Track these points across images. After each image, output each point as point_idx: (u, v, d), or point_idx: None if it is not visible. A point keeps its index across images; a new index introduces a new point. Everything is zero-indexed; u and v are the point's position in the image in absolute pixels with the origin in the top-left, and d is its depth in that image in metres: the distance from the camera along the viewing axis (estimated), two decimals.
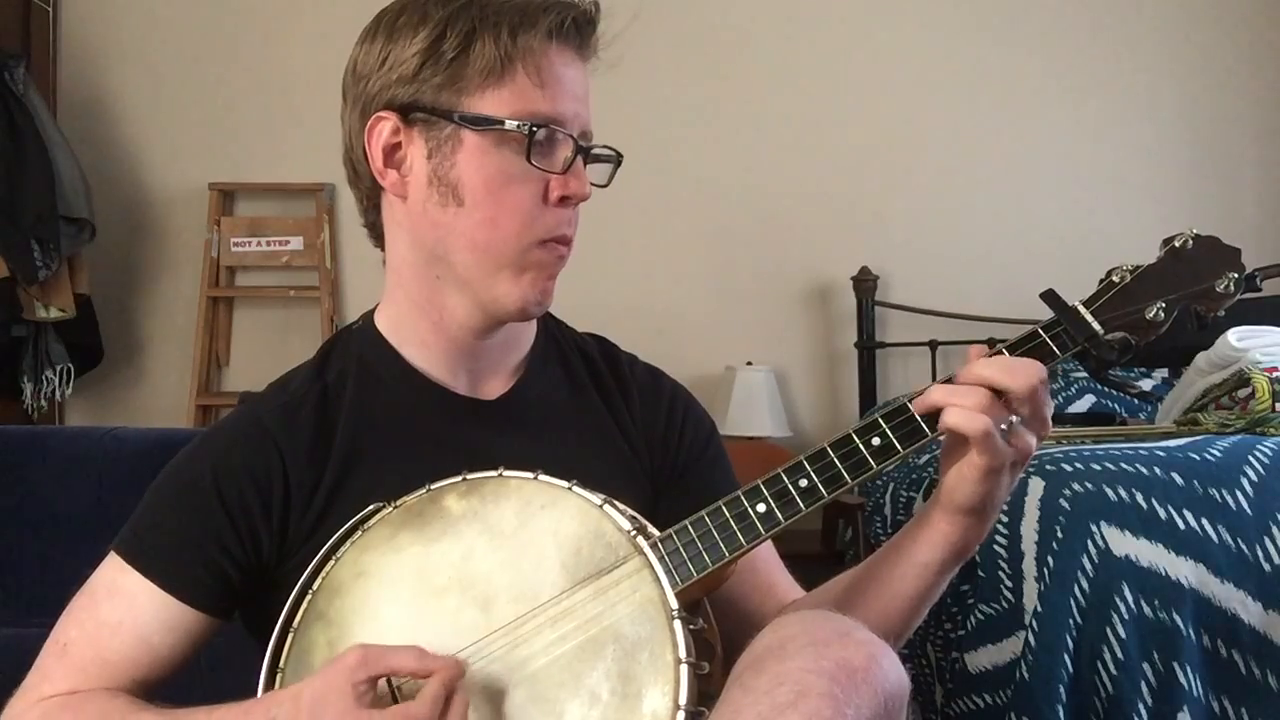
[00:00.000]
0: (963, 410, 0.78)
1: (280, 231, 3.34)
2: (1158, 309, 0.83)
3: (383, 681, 0.75)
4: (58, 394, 3.14)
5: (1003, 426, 0.79)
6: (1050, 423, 0.83)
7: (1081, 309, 0.84)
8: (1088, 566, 1.40)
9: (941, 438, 0.83)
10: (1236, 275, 0.83)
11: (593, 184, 0.92)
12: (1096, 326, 0.83)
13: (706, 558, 0.80)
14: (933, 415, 0.81)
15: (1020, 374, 0.79)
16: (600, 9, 0.92)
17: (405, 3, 0.90)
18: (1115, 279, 0.85)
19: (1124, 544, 1.41)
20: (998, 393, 0.80)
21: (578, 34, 0.90)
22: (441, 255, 0.91)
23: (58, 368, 3.11)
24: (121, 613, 0.87)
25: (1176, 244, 0.86)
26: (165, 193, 3.42)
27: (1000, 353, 0.83)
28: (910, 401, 0.82)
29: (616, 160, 0.95)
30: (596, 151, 0.93)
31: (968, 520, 0.84)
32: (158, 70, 3.42)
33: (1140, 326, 0.83)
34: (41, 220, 2.93)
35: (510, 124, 0.86)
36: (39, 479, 1.65)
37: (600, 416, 1.00)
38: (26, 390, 3.09)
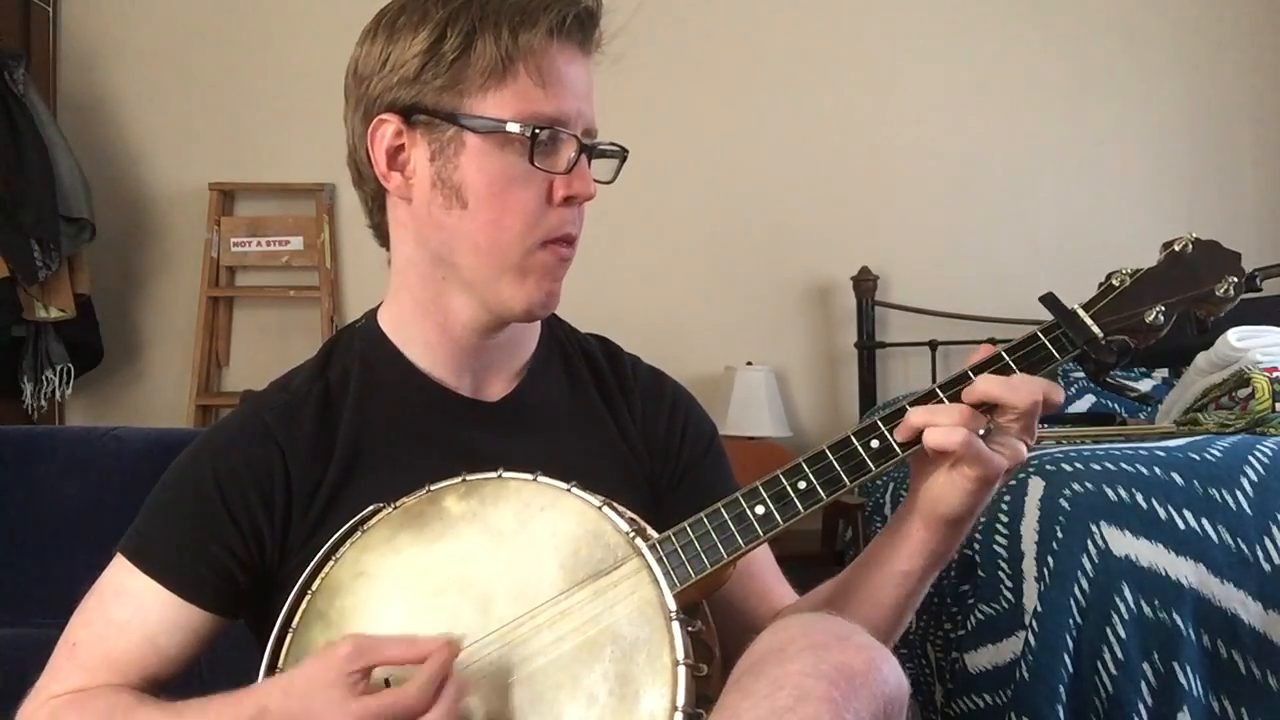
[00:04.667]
0: (940, 429, 0.79)
1: (280, 231, 3.34)
2: (1157, 312, 0.83)
3: (377, 672, 0.75)
4: (58, 394, 3.14)
5: (981, 432, 0.79)
6: (1036, 432, 0.83)
7: (1081, 312, 0.84)
8: (1088, 566, 1.40)
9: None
10: (1236, 279, 0.83)
11: (598, 180, 0.92)
12: (1096, 330, 0.83)
13: (705, 559, 0.80)
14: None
15: (1022, 389, 0.80)
16: (602, 4, 0.91)
17: (405, 1, 0.89)
18: (1115, 282, 0.85)
19: (1124, 544, 1.41)
20: (987, 406, 0.80)
21: (580, 30, 0.89)
22: (446, 257, 0.91)
23: (58, 368, 3.11)
24: (129, 613, 0.87)
25: (1176, 248, 0.85)
26: (165, 193, 3.42)
27: (1000, 356, 0.83)
28: (891, 431, 0.82)
29: (621, 156, 0.95)
30: (601, 148, 0.93)
31: (948, 529, 0.84)
32: (158, 70, 3.42)
33: (1140, 330, 0.83)
34: (41, 220, 2.93)
35: (512, 126, 0.86)
36: (39, 479, 1.65)
37: (601, 418, 1.00)
38: (26, 390, 3.09)
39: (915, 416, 0.81)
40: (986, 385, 0.80)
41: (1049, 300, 0.85)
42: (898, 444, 0.82)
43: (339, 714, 0.72)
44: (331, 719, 0.72)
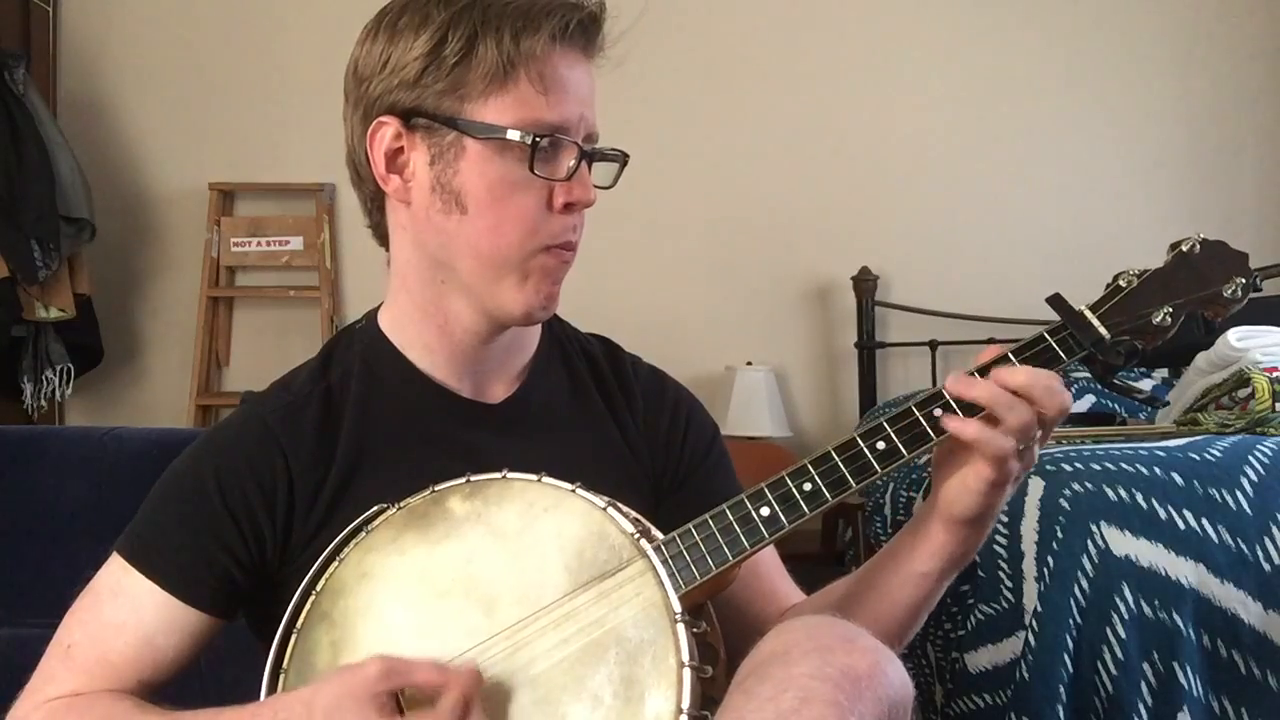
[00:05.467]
0: (991, 431, 0.78)
1: (280, 231, 3.34)
2: (1165, 314, 0.83)
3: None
4: (58, 394, 3.14)
5: (1020, 447, 0.79)
6: (1049, 433, 0.83)
7: (1088, 313, 0.84)
8: (1088, 566, 1.40)
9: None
10: (1244, 280, 0.82)
11: (598, 186, 0.91)
12: (1103, 331, 0.83)
13: (710, 561, 0.80)
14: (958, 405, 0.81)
15: (1058, 399, 0.79)
16: (606, 8, 0.91)
17: (407, 1, 0.88)
18: (1122, 283, 0.85)
19: (1124, 544, 1.41)
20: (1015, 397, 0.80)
21: (583, 35, 0.89)
22: (445, 261, 0.90)
23: (58, 368, 3.11)
24: (125, 614, 0.87)
25: (1184, 248, 0.85)
26: (165, 193, 3.42)
27: (1007, 357, 0.83)
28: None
29: (622, 160, 0.95)
30: (602, 153, 0.92)
31: (966, 530, 0.84)
32: (158, 70, 3.42)
33: (1147, 331, 0.83)
34: (41, 220, 2.94)
35: (513, 134, 0.85)
36: (39, 479, 1.65)
37: (602, 419, 1.00)
38: (26, 390, 3.09)
39: (982, 391, 0.79)
40: (1022, 379, 0.79)
41: (1056, 301, 0.85)
42: (903, 445, 0.81)
43: None
44: None
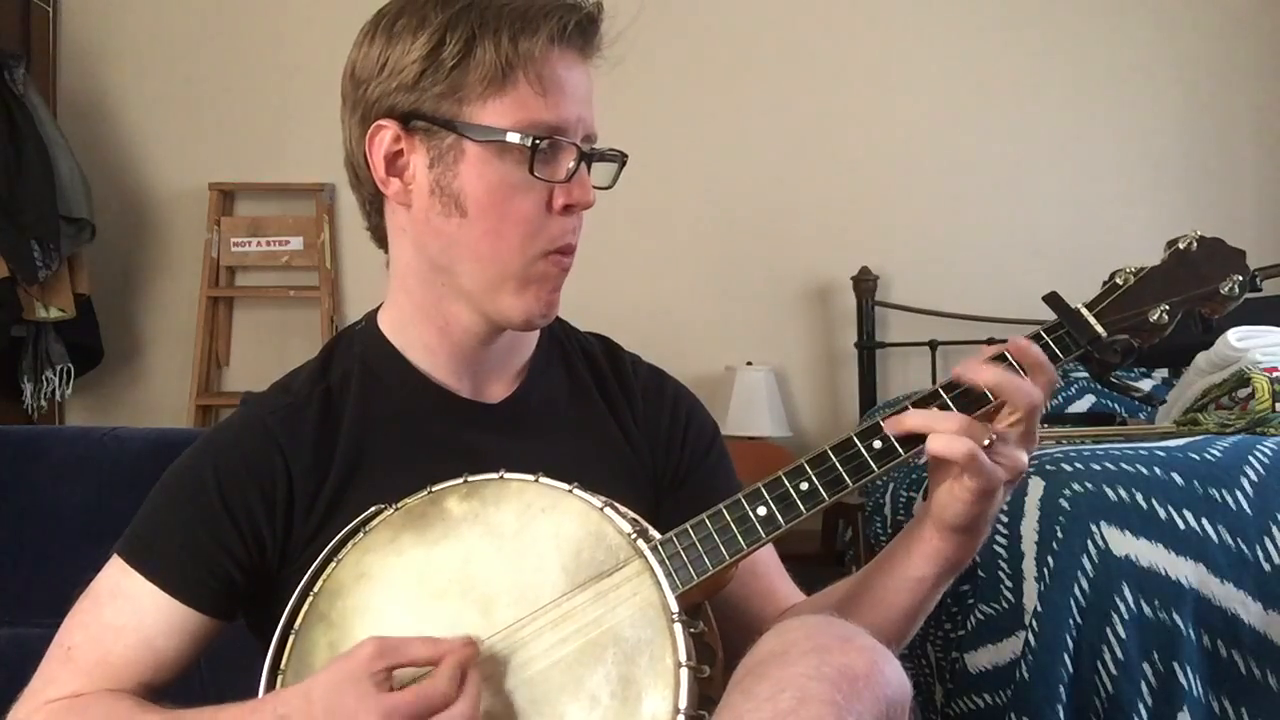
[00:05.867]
0: (944, 436, 0.78)
1: (280, 231, 3.34)
2: (1161, 311, 0.83)
3: (398, 673, 0.75)
4: (58, 394, 3.14)
5: (985, 443, 0.78)
6: (1037, 437, 0.82)
7: (1084, 311, 0.84)
8: (1088, 566, 1.40)
9: None
10: (1241, 277, 0.82)
11: (597, 186, 0.91)
12: (1099, 329, 0.83)
13: (707, 561, 0.80)
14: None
15: (1024, 395, 0.79)
16: (603, 8, 0.91)
17: (404, 3, 0.88)
18: (1119, 281, 0.85)
19: (1124, 544, 1.41)
20: (984, 403, 0.80)
21: (580, 36, 0.88)
22: (445, 264, 0.91)
23: (58, 368, 3.11)
24: (125, 616, 0.87)
25: (1181, 246, 0.85)
26: (165, 193, 3.42)
27: (1004, 356, 0.83)
28: (883, 420, 0.82)
29: (621, 161, 0.95)
30: (600, 153, 0.92)
31: (960, 537, 0.84)
32: (158, 70, 3.42)
33: (1144, 329, 0.83)
34: (41, 220, 2.94)
35: (512, 136, 0.85)
36: (39, 479, 1.64)
37: (602, 419, 1.00)
38: (26, 390, 3.10)
39: (914, 418, 0.80)
40: (987, 375, 0.80)
41: (1052, 299, 0.85)
42: (899, 444, 0.81)
43: (371, 711, 0.72)
44: (363, 717, 0.72)
